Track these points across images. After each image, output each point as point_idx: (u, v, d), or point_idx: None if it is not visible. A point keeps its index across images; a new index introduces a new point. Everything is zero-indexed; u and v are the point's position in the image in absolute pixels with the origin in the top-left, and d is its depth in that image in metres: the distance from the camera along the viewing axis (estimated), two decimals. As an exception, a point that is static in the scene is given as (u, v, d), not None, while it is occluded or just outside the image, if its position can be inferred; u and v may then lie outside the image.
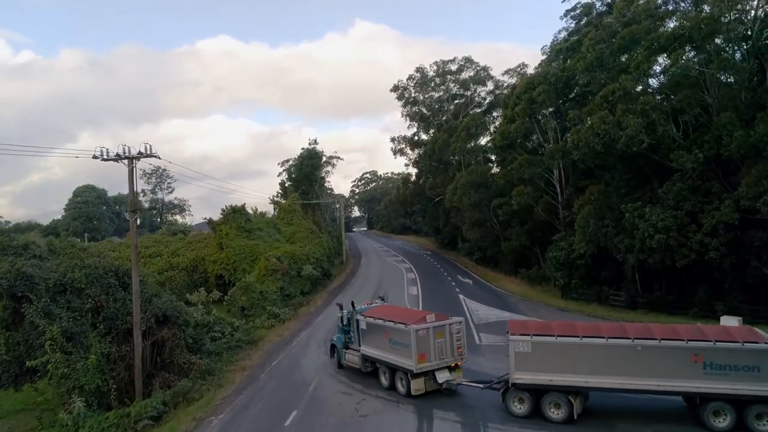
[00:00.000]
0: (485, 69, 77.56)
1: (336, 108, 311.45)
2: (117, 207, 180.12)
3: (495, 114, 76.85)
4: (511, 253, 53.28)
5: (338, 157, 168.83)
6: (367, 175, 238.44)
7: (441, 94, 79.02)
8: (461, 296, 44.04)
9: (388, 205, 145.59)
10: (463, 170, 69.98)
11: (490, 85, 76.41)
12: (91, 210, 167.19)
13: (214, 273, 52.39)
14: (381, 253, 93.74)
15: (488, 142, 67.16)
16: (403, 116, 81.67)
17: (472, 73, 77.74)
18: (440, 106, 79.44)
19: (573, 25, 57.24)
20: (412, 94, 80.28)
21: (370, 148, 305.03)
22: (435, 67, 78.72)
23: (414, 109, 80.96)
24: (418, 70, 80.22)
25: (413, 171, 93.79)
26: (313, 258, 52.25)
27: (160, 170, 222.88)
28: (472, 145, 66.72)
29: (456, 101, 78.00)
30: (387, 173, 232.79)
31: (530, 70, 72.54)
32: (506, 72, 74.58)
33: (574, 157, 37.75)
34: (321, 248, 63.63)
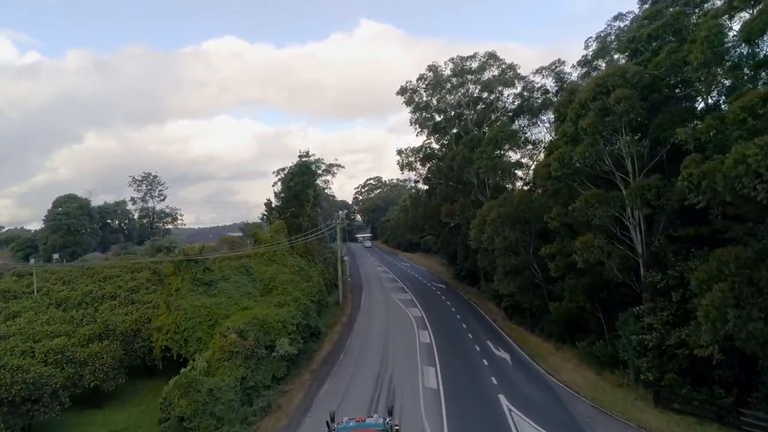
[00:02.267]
0: (512, 67, 63.44)
1: (341, 108, 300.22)
2: (101, 218, 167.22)
3: (521, 122, 63.03)
4: (562, 316, 39.26)
5: (339, 165, 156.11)
6: (372, 181, 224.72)
7: (458, 97, 64.84)
8: (502, 399, 29.96)
9: (394, 223, 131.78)
10: (488, 191, 56.19)
11: (518, 87, 62.34)
12: (72, 222, 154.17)
13: (159, 344, 38.49)
14: (386, 283, 79.83)
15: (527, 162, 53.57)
16: (412, 124, 67.65)
17: (496, 72, 63.63)
18: (458, 113, 65.21)
19: (639, 8, 43.50)
20: (423, 98, 66.18)
21: (375, 149, 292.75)
22: (451, 65, 64.62)
23: (425, 115, 66.87)
24: (430, 68, 66.15)
25: (423, 183, 79.71)
26: (292, 325, 38.37)
27: (151, 176, 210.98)
28: (501, 161, 52.76)
29: (478, 106, 63.84)
30: (392, 179, 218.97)
31: (567, 69, 59.22)
32: (538, 71, 60.64)
33: (693, 201, 23.77)
34: (308, 295, 49.81)
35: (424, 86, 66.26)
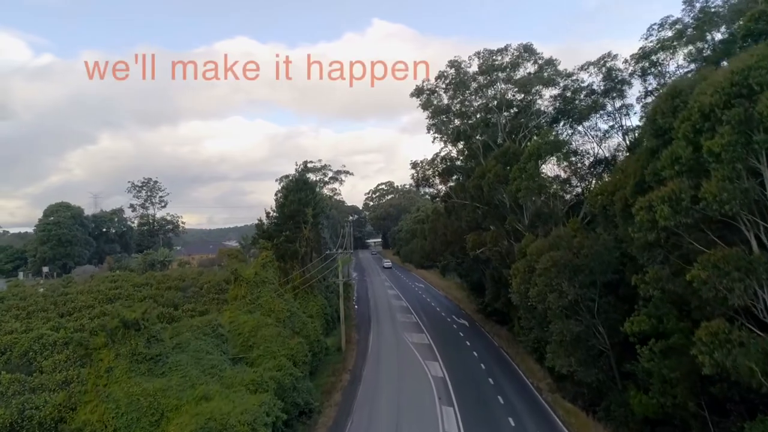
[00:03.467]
0: (551, 63, 52.00)
1: (352, 108, 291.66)
2: (94, 227, 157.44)
3: (560, 129, 51.64)
4: (648, 413, 27.70)
5: (347, 172, 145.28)
6: (383, 186, 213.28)
7: (487, 99, 53.28)
8: None
9: (407, 235, 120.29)
10: (527, 217, 44.72)
11: (559, 86, 50.82)
12: (63, 232, 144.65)
13: (82, 448, 27.52)
14: (398, 315, 68.62)
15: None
16: (429, 130, 56.21)
17: (531, 69, 52.24)
18: (485, 118, 53.63)
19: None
20: (444, 100, 54.74)
21: (387, 149, 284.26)
22: (477, 61, 53.13)
23: (443, 118, 55.37)
24: (452, 64, 54.63)
25: (442, 201, 68.13)
26: (266, 426, 27.18)
27: (151, 182, 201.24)
28: (545, 182, 41.32)
29: (512, 109, 52.32)
30: (404, 185, 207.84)
31: (619, 64, 47.67)
32: (584, 67, 49.22)
33: None
34: (300, 354, 38.79)
35: (444, 86, 54.84)
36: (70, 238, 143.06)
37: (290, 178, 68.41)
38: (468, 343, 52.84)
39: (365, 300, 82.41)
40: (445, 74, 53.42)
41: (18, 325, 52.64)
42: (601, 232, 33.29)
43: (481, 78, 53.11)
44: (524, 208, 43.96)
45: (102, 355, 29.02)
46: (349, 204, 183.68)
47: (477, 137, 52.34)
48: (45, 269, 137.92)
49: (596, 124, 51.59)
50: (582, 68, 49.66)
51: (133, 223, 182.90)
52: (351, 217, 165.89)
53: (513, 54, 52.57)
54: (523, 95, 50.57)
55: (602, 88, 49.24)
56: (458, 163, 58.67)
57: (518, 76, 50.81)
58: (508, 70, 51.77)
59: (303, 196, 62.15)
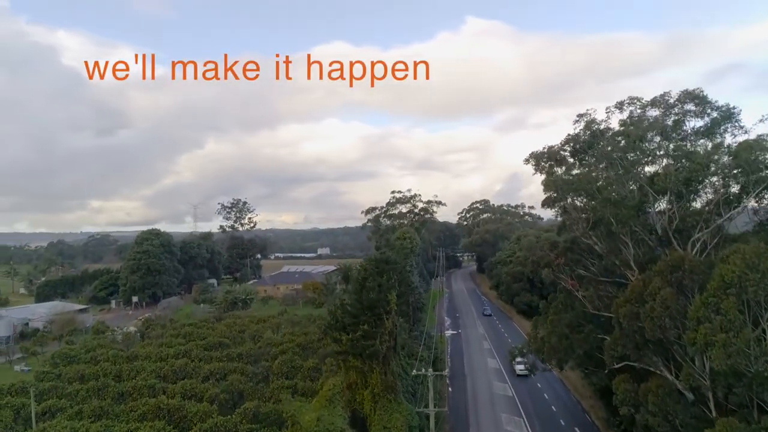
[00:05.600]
0: (729, 115, 36.21)
1: (446, 108, 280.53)
2: (179, 253, 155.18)
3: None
4: None
5: (439, 202, 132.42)
6: (477, 204, 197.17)
7: (633, 173, 38.15)
8: None
9: (509, 273, 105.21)
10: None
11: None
12: (151, 261, 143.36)
13: None
14: (502, 418, 54.70)
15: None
16: (545, 207, 41.94)
17: (701, 122, 36.70)
18: (638, 200, 38.32)
19: None
20: (574, 170, 40.32)
21: (480, 147, 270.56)
22: (620, 115, 38.22)
23: (570, 198, 40.78)
24: (585, 124, 40.08)
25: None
26: None
27: (240, 203, 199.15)
28: None
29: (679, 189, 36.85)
30: (504, 205, 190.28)
31: None
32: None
33: None
34: None
35: (570, 150, 40.42)
36: (159, 267, 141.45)
37: (366, 258, 56.92)
38: None
39: (460, 379, 69.01)
40: (577, 138, 38.91)
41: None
42: None
43: (623, 141, 38.14)
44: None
45: None
46: (439, 206, 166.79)
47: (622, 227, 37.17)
48: (134, 299, 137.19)
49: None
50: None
51: (222, 247, 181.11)
52: (440, 251, 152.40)
53: (674, 105, 37.21)
54: (692, 173, 34.89)
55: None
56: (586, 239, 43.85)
57: (686, 147, 35.31)
58: (667, 131, 36.47)
59: (384, 280, 50.41)
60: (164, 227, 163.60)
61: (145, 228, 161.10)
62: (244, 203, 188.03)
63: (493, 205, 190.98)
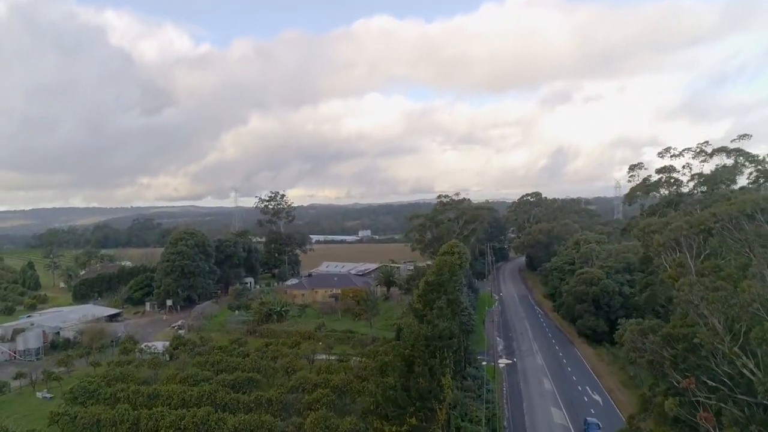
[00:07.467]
0: None
1: (490, 81, 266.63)
2: (215, 252, 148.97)
3: None
4: None
5: (489, 208, 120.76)
6: (529, 197, 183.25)
7: None
8: None
9: (572, 304, 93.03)
10: None
11: None
12: (186, 264, 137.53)
13: None
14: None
15: None
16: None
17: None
18: None
19: None
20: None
21: (525, 122, 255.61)
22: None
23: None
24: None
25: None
26: None
27: (278, 196, 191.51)
28: None
29: None
30: (559, 199, 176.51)
31: None
32: None
33: None
34: None
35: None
36: (193, 269, 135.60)
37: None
38: None
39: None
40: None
41: None
42: None
43: None
44: None
45: None
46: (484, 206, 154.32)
47: None
48: (168, 302, 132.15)
49: None
50: None
51: (260, 243, 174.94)
52: (488, 247, 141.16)
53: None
54: None
55: None
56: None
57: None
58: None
59: (437, 362, 40.50)
60: (208, 202, 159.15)
61: (190, 203, 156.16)
62: (282, 196, 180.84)
63: (546, 198, 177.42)
